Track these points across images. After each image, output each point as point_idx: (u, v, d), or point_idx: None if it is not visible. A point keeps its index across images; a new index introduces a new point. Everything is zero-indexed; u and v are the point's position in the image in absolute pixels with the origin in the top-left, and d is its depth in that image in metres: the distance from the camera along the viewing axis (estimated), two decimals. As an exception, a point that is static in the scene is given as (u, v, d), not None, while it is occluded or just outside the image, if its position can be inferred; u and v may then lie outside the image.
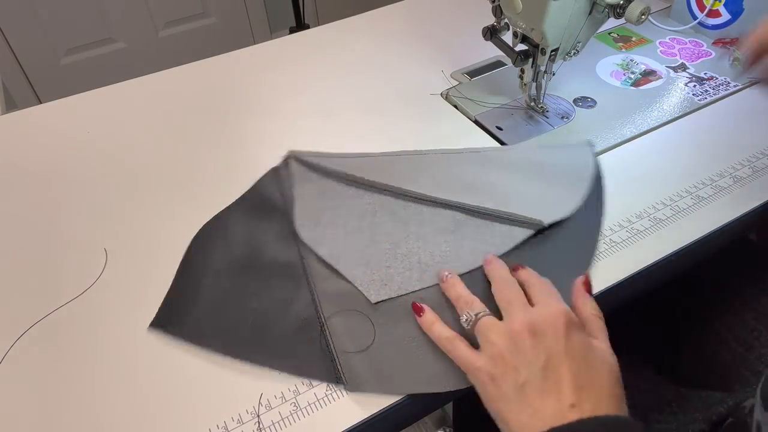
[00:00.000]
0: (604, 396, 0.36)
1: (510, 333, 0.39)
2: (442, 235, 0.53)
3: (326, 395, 0.44)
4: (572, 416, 0.34)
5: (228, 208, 0.59)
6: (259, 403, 0.44)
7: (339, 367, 0.44)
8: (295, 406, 0.43)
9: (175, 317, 0.49)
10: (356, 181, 0.59)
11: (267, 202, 0.59)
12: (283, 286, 0.50)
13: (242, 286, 0.51)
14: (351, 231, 0.54)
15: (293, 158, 0.63)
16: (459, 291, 0.46)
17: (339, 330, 0.47)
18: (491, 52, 0.79)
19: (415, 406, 0.44)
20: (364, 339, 0.46)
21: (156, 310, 0.51)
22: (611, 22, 0.68)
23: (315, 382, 0.45)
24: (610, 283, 0.50)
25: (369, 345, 0.46)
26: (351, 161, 0.62)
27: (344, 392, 0.44)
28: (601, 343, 0.40)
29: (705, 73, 0.74)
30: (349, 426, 0.42)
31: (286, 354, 0.46)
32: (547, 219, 0.53)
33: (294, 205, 0.58)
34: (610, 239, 0.53)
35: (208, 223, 0.57)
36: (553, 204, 0.55)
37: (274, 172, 0.63)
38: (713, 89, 0.71)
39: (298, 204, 0.58)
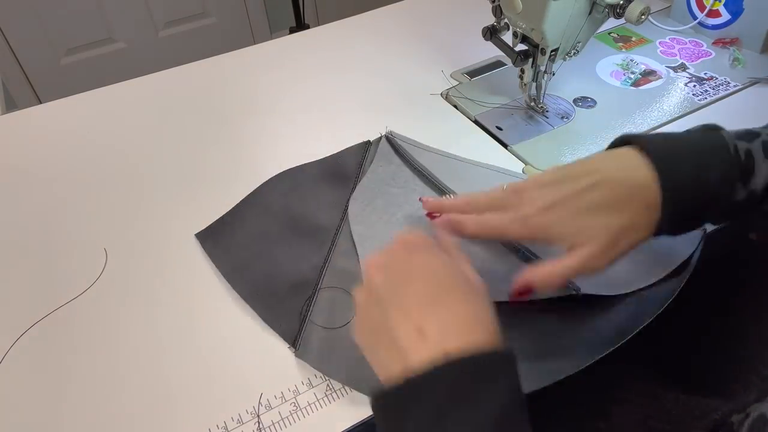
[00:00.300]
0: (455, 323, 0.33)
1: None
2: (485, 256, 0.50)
3: (326, 395, 0.44)
4: (422, 351, 0.31)
5: (308, 164, 0.63)
6: (259, 403, 0.44)
7: (300, 332, 0.47)
8: (295, 406, 0.43)
9: (216, 237, 0.56)
10: (430, 180, 0.59)
11: (342, 169, 0.62)
12: (308, 246, 0.54)
13: (279, 233, 0.55)
14: (392, 222, 0.55)
15: (386, 136, 0.65)
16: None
17: (323, 303, 0.49)
18: (491, 52, 0.79)
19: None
20: (338, 320, 0.48)
21: (155, 310, 0.51)
22: (611, 22, 0.68)
23: (315, 382, 0.45)
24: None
25: (338, 327, 0.47)
26: (440, 160, 0.62)
27: (344, 393, 0.44)
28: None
29: (705, 73, 0.74)
30: (349, 426, 0.42)
31: (268, 300, 0.49)
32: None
33: (361, 180, 0.60)
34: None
35: (288, 170, 0.62)
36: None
37: (365, 144, 0.65)
38: (713, 89, 0.71)
39: (365, 180, 0.60)
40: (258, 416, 0.43)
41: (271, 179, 0.61)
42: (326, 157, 0.64)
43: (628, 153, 0.40)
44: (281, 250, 0.54)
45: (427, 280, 0.34)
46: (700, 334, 0.56)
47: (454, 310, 0.33)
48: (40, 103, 1.19)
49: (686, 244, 0.49)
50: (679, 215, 0.39)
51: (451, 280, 0.35)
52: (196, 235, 0.56)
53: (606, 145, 0.45)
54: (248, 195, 0.59)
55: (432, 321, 0.32)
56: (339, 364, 0.45)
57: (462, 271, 0.36)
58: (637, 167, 0.39)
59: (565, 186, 0.40)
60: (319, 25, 0.98)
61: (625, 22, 0.58)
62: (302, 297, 0.49)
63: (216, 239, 0.56)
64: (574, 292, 0.46)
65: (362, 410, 0.43)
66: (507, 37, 0.67)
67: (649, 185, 0.38)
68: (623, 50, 0.80)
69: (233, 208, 0.58)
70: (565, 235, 0.40)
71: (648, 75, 0.75)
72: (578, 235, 0.39)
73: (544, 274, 0.40)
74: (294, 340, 0.47)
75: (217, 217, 0.58)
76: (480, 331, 0.32)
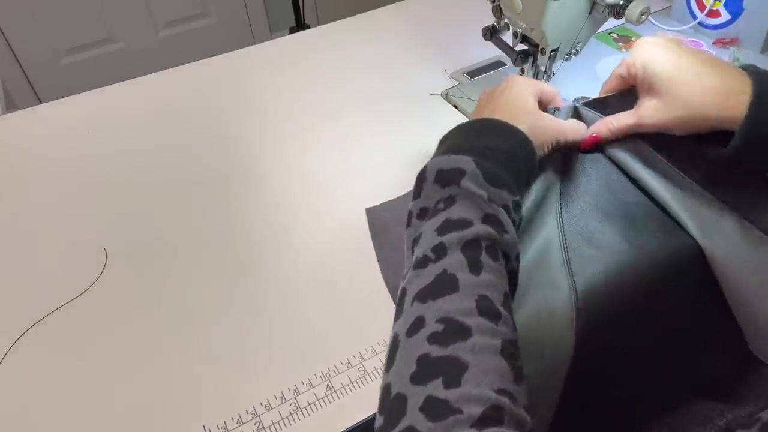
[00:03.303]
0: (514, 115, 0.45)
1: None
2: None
3: (326, 395, 0.44)
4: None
5: None
6: (259, 403, 0.44)
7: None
8: (295, 406, 0.43)
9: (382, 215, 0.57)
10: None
11: None
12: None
13: None
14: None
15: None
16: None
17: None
18: (491, 52, 0.79)
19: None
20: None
21: (155, 310, 0.51)
22: (611, 22, 0.68)
23: (315, 382, 0.45)
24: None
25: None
26: None
27: (344, 393, 0.44)
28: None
29: (705, 73, 0.74)
30: (349, 426, 0.42)
31: None
32: None
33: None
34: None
35: None
36: None
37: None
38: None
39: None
40: (258, 416, 0.43)
41: None
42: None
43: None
44: None
45: (505, 102, 0.46)
46: (707, 338, 0.55)
47: (509, 118, 0.44)
48: (40, 103, 1.19)
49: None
50: (757, 129, 0.40)
51: (514, 106, 0.46)
52: (366, 209, 0.58)
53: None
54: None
55: (496, 115, 0.45)
56: None
57: (528, 106, 0.46)
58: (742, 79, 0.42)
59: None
60: (319, 25, 0.98)
61: (625, 22, 0.58)
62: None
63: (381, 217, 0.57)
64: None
65: (362, 410, 0.43)
66: (507, 37, 0.67)
67: (744, 89, 0.41)
68: (623, 50, 0.80)
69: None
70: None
71: (648, 75, 0.75)
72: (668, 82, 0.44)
73: (608, 124, 0.47)
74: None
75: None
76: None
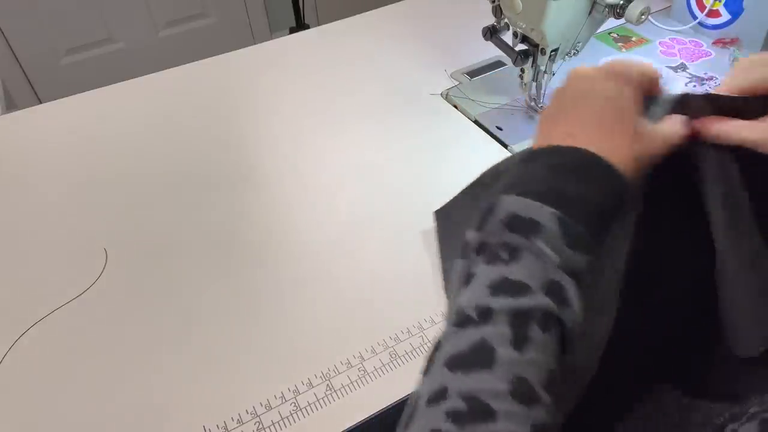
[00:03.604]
0: (606, 133, 0.36)
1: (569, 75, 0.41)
2: None
3: (326, 395, 0.44)
4: (569, 142, 0.36)
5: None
6: (259, 403, 0.44)
7: None
8: (295, 406, 0.43)
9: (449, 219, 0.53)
10: None
11: None
12: None
13: None
14: None
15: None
16: None
17: None
18: (491, 52, 0.79)
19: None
20: None
21: (155, 310, 0.51)
22: (611, 22, 0.68)
23: (315, 382, 0.45)
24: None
25: None
26: None
27: (344, 393, 0.44)
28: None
29: (705, 73, 0.74)
30: (349, 426, 0.42)
31: None
32: None
33: None
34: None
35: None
36: None
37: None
38: (713, 89, 0.71)
39: None
40: (258, 416, 0.43)
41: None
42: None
43: None
44: None
45: (593, 111, 0.37)
46: (708, 337, 0.55)
47: (602, 137, 0.36)
48: (40, 103, 1.19)
49: None
50: None
51: (607, 117, 0.37)
52: (434, 212, 0.55)
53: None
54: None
55: (584, 135, 0.36)
56: None
57: (628, 116, 0.37)
58: None
59: None
60: (319, 25, 0.98)
61: (625, 22, 0.58)
62: None
63: (448, 222, 0.53)
64: None
65: (362, 411, 0.43)
66: (507, 37, 0.67)
67: None
68: (623, 50, 0.80)
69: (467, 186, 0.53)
70: None
71: (648, 75, 0.75)
72: None
73: (722, 127, 0.37)
74: None
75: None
76: (613, 156, 0.35)
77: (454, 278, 0.35)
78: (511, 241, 0.33)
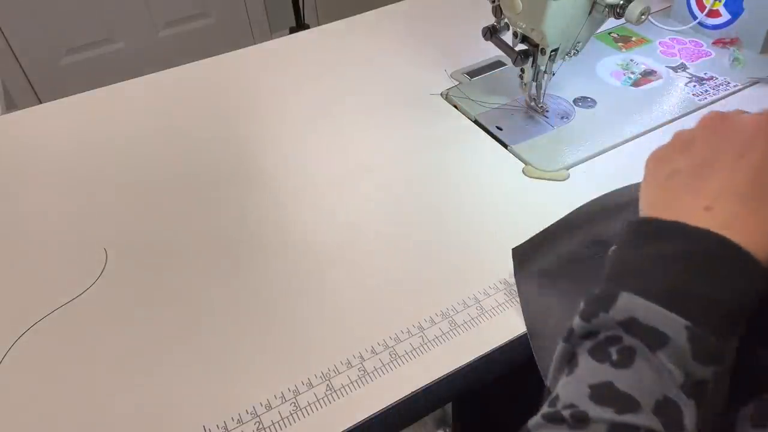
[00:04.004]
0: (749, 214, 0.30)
1: (698, 124, 0.35)
2: None
3: (326, 395, 0.44)
4: (704, 218, 0.30)
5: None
6: (259, 403, 0.44)
7: None
8: (295, 406, 0.43)
9: (528, 262, 0.50)
10: None
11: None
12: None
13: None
14: None
15: None
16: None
17: None
18: (491, 52, 0.79)
19: (414, 406, 0.44)
20: None
21: (155, 310, 0.51)
22: (611, 22, 0.68)
23: (315, 382, 0.45)
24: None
25: None
26: None
27: (344, 393, 0.44)
28: None
29: (705, 73, 0.74)
30: (349, 426, 0.42)
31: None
32: None
33: None
34: (610, 239, 0.53)
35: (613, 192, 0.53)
36: None
37: None
38: (713, 89, 0.71)
39: None
40: (258, 416, 0.43)
41: (597, 198, 0.52)
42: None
43: None
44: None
45: (738, 169, 0.31)
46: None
47: (748, 210, 0.30)
48: (40, 103, 1.19)
49: None
50: None
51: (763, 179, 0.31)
52: (512, 249, 0.50)
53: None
54: (570, 214, 0.52)
55: (726, 210, 0.30)
56: None
57: None
58: None
59: None
60: (319, 25, 0.98)
61: (625, 22, 0.58)
62: None
63: (527, 266, 0.49)
64: None
65: (362, 411, 0.43)
66: (507, 37, 0.67)
67: None
68: (623, 50, 0.80)
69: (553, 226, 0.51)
70: None
71: (648, 75, 0.75)
72: None
73: None
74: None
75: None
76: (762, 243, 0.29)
77: (554, 358, 0.31)
78: (625, 342, 0.28)
